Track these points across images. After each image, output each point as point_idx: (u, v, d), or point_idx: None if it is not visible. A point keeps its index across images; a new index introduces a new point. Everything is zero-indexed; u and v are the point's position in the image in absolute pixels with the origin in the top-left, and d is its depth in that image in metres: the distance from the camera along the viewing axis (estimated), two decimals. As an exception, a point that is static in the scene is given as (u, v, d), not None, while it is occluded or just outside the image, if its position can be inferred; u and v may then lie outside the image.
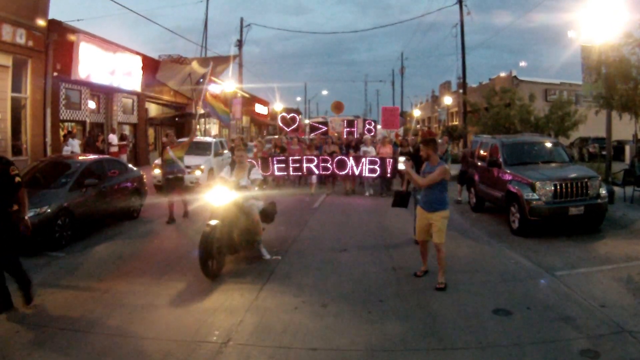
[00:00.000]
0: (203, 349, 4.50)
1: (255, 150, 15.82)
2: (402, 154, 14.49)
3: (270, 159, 15.17)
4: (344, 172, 14.89)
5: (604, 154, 23.94)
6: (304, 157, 15.22)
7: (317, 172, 15.15)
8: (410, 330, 4.90)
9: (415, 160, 7.99)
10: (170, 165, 10.58)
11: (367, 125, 20.60)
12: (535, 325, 4.92)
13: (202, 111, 14.25)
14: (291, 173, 15.32)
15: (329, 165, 14.91)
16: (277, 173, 15.30)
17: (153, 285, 6.37)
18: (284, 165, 15.09)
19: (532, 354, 4.32)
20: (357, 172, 14.80)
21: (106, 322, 5.13)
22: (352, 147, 17.32)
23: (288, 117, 20.75)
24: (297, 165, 15.03)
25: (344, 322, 5.11)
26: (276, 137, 22.00)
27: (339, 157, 15.01)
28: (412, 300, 5.76)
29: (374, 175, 14.85)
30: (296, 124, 20.56)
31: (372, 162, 14.63)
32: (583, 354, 4.27)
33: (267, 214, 8.02)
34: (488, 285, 6.29)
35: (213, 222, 6.59)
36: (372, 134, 19.62)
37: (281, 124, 20.54)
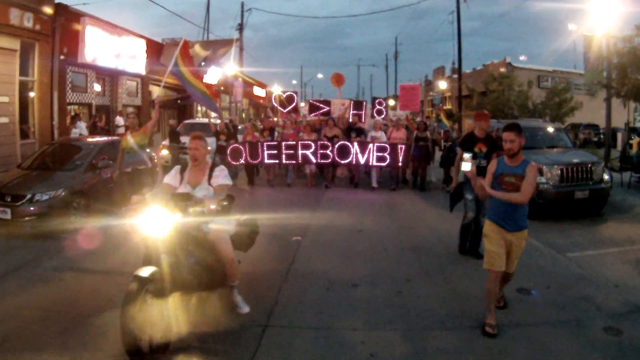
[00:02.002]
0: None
1: (245, 132, 14.64)
2: (417, 140, 12.98)
3: (259, 144, 13.09)
4: (346, 161, 12.68)
5: (595, 140, 24.53)
6: (300, 142, 12.97)
7: (314, 160, 12.84)
8: (442, 308, 5.14)
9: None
10: (130, 156, 8.73)
11: (377, 105, 17.22)
12: (557, 304, 5.24)
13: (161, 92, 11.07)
14: (284, 161, 13.12)
15: (328, 152, 12.63)
16: (267, 161, 13.15)
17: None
18: (275, 151, 12.93)
19: (560, 331, 4.63)
20: (362, 161, 12.56)
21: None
22: (355, 130, 13.94)
23: (284, 96, 17.28)
24: (291, 151, 12.83)
25: (378, 302, 5.33)
26: (276, 119, 20.03)
27: (341, 142, 12.66)
28: (438, 280, 6.05)
29: (383, 164, 12.59)
30: (293, 105, 17.68)
31: (380, 149, 12.38)
32: (607, 331, 4.59)
33: (244, 239, 5.32)
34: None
35: (146, 272, 3.89)
36: (384, 115, 16.80)
37: (277, 105, 17.81)
